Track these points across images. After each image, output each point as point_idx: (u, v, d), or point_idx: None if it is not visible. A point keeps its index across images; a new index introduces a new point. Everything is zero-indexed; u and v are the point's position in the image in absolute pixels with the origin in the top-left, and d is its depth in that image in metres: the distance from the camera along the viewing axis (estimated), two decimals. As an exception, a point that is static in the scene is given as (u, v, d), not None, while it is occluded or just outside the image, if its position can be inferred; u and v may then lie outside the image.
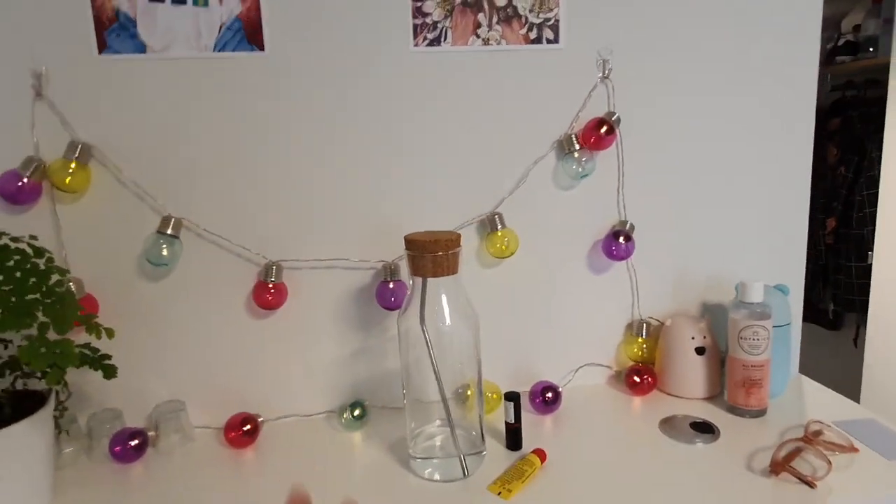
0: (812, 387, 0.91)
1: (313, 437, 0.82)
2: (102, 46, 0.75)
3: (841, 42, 2.33)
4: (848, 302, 2.41)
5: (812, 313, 2.64)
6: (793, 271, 0.96)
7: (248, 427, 0.81)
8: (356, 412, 0.84)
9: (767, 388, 0.80)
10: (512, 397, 0.75)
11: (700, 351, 0.86)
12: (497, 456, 0.75)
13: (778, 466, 0.66)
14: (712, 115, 0.89)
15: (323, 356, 0.87)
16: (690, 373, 0.86)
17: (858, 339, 2.40)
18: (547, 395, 0.85)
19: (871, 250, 2.00)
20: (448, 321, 0.68)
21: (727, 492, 0.64)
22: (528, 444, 0.76)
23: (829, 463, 0.66)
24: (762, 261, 0.94)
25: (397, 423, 0.84)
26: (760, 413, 0.80)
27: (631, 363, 0.92)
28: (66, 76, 0.75)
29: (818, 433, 0.72)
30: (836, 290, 2.50)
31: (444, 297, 0.68)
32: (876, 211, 1.88)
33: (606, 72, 0.85)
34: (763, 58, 0.88)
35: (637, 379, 0.88)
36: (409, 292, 0.70)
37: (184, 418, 0.82)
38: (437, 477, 0.70)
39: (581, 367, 0.93)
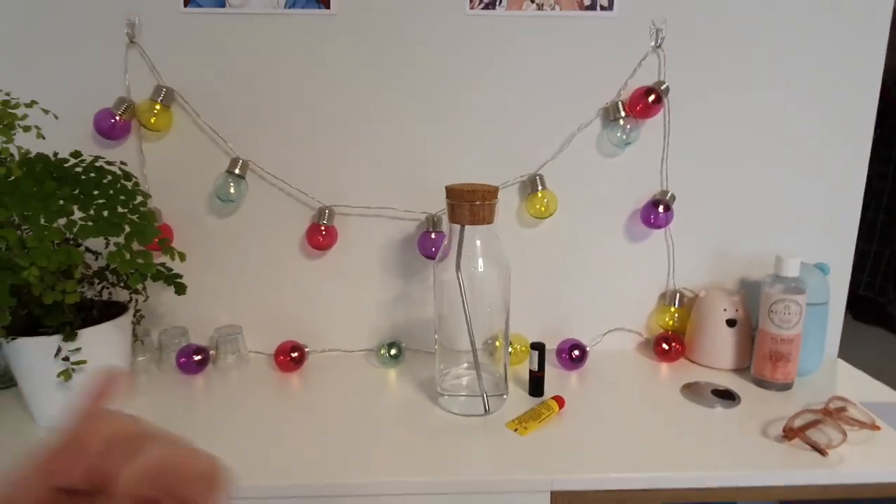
0: (848, 370, 0.90)
1: (352, 371, 0.90)
2: (188, 0, 0.83)
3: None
4: (919, 306, 2.27)
5: (879, 315, 2.51)
6: (841, 252, 0.94)
7: (296, 354, 0.89)
8: (392, 351, 0.91)
9: (795, 364, 0.80)
10: (537, 346, 0.79)
11: (731, 323, 0.87)
12: (519, 400, 0.79)
13: (791, 433, 0.67)
14: (764, 89, 0.88)
15: (366, 298, 0.94)
16: (719, 343, 0.87)
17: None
18: (574, 353, 0.88)
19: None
20: (481, 268, 0.73)
21: (738, 452, 0.67)
22: (550, 393, 0.81)
23: (845, 435, 0.67)
24: (809, 240, 0.93)
25: (429, 365, 0.90)
26: (786, 387, 0.81)
27: (661, 331, 0.94)
28: (156, 26, 0.84)
29: (841, 409, 0.73)
30: (906, 293, 2.36)
31: (478, 245, 0.73)
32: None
33: (659, 41, 0.86)
34: (824, 31, 0.86)
35: (665, 346, 0.90)
36: (446, 241, 0.75)
37: (240, 342, 0.92)
38: (460, 411, 0.76)
39: (611, 330, 0.96)
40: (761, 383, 0.82)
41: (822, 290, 0.83)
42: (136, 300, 0.79)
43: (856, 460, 0.64)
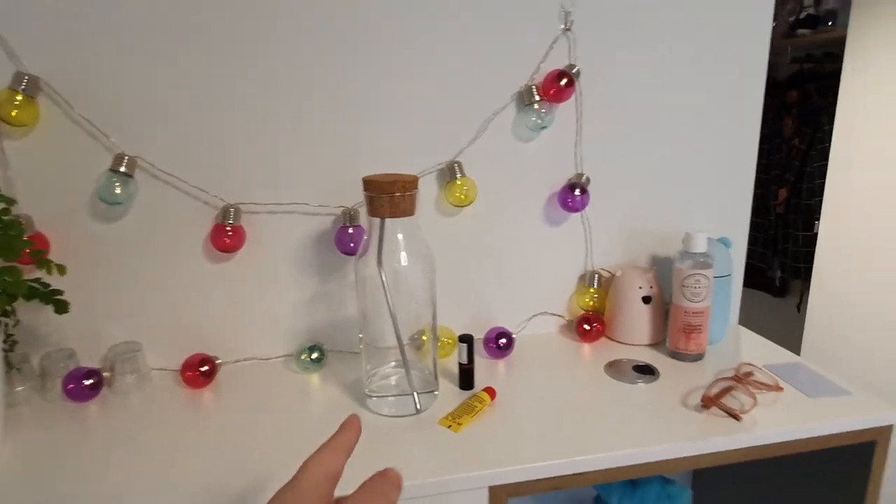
0: (749, 335, 0.96)
1: (271, 379, 0.84)
2: (48, -27, 0.72)
3: (803, 15, 2.38)
4: (794, 269, 2.52)
5: (760, 281, 2.76)
6: (738, 226, 1.00)
7: (206, 368, 0.82)
8: (314, 355, 0.85)
9: (706, 334, 0.85)
10: (465, 339, 0.77)
11: (646, 300, 0.90)
12: (450, 395, 0.78)
13: (709, 402, 0.71)
14: (670, 72, 0.91)
15: (282, 301, 0.88)
16: (637, 320, 0.90)
17: (802, 305, 2.52)
18: (500, 341, 0.88)
19: (818, 220, 2.09)
20: (405, 262, 0.70)
21: (662, 424, 0.69)
22: (480, 384, 0.80)
23: (755, 399, 0.72)
24: (710, 216, 0.99)
25: (354, 367, 0.86)
26: (699, 357, 0.85)
27: (582, 312, 0.96)
28: (12, 3, 0.72)
29: (749, 374, 0.78)
30: (783, 259, 2.61)
31: (400, 238, 0.70)
32: (825, 182, 1.96)
33: (568, 24, 0.86)
34: (720, 19, 0.90)
35: (587, 327, 0.92)
36: (366, 236, 0.71)
37: (140, 359, 0.83)
38: (390, 412, 0.73)
39: (534, 315, 0.97)
40: (677, 355, 0.86)
41: (726, 263, 0.88)
42: (6, 324, 0.68)
43: (767, 421, 0.69)
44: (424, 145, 0.87)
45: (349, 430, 0.40)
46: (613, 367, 0.84)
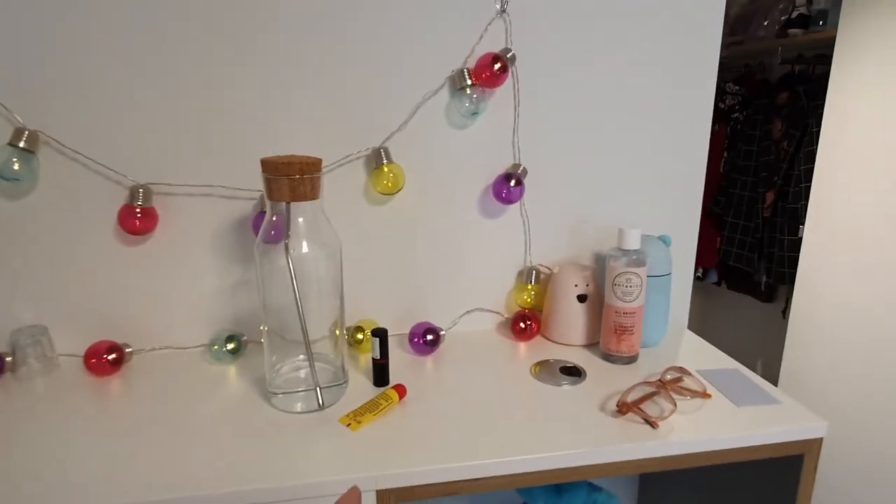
0: (692, 339, 0.92)
1: (184, 370, 0.80)
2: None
3: (794, 14, 2.32)
4: (779, 274, 2.47)
5: (748, 285, 2.70)
6: (686, 224, 0.96)
7: (114, 356, 0.78)
8: (230, 346, 0.82)
9: (639, 336, 0.80)
10: (378, 333, 0.74)
11: (582, 298, 0.86)
12: (363, 391, 0.74)
13: (624, 407, 0.66)
14: (613, 60, 0.86)
15: (201, 287, 0.85)
16: (572, 320, 0.86)
17: (787, 311, 2.47)
18: (427, 337, 0.84)
19: (804, 224, 2.04)
20: (305, 249, 0.66)
21: (576, 430, 0.65)
22: (400, 380, 0.76)
23: (675, 405, 0.67)
24: (657, 212, 0.94)
25: (272, 358, 0.83)
26: (632, 359, 0.81)
27: (519, 310, 0.92)
28: None
29: (677, 380, 0.73)
30: (769, 264, 2.55)
31: (301, 223, 0.66)
32: (811, 185, 1.90)
33: (504, 5, 0.82)
34: (669, 5, 0.86)
35: (522, 325, 0.88)
36: (265, 221, 0.67)
37: (45, 344, 0.79)
38: (294, 408, 0.69)
39: (469, 311, 0.93)
40: (609, 357, 0.82)
41: (665, 261, 0.83)
42: None
43: (685, 429, 0.65)
44: (351, 130, 0.83)
45: None
46: (541, 368, 0.80)
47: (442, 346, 0.87)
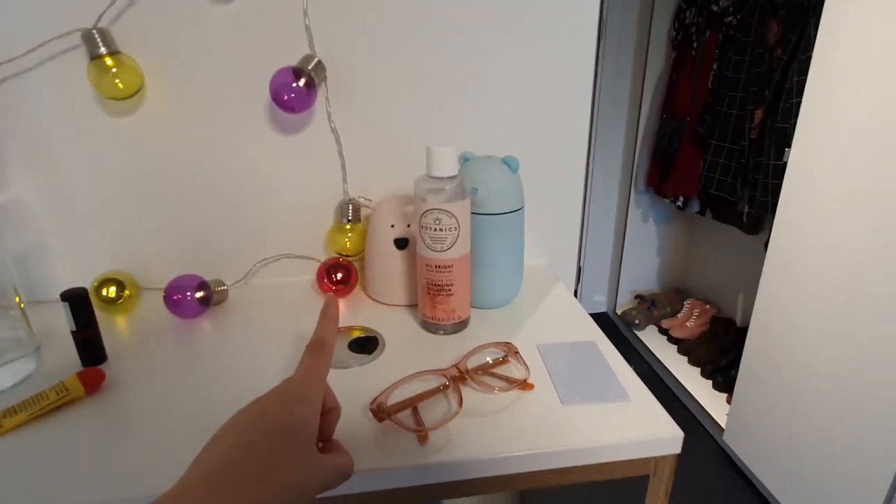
0: (559, 295, 0.69)
1: None
2: None
3: None
4: (762, 204, 2.20)
5: (732, 215, 2.45)
6: (570, 143, 0.71)
7: None
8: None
9: (463, 297, 0.58)
10: (68, 297, 0.52)
11: (401, 244, 0.63)
12: (62, 373, 0.53)
13: (381, 412, 0.45)
14: None
15: None
16: (389, 271, 0.64)
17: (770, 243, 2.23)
18: (198, 294, 0.62)
19: (790, 146, 1.76)
20: None
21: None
22: (127, 357, 0.55)
23: (460, 404, 0.46)
24: (522, 134, 0.69)
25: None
26: (456, 329, 0.59)
27: (335, 257, 0.70)
28: None
29: (492, 364, 0.52)
30: (752, 191, 2.28)
31: None
32: (801, 101, 1.61)
33: None
34: None
35: (334, 278, 0.66)
36: None
37: None
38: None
39: (265, 260, 0.71)
40: (427, 326, 0.60)
41: (509, 192, 0.59)
42: None
43: (466, 442, 0.43)
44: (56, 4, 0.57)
45: (329, 321, 0.39)
46: (331, 339, 0.58)
47: (228, 306, 0.66)
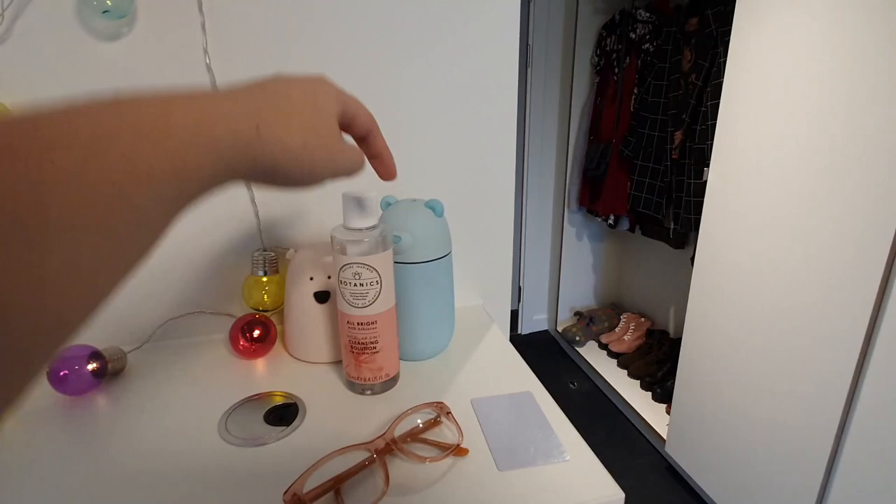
0: (493, 339, 0.67)
1: None
2: None
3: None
4: (686, 220, 2.29)
5: (660, 231, 2.54)
6: (501, 181, 0.69)
7: None
8: None
9: (390, 354, 0.54)
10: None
11: (322, 297, 0.58)
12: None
13: (295, 499, 0.40)
14: None
15: None
16: (309, 328, 0.59)
17: (695, 258, 2.32)
18: (90, 366, 0.55)
19: (708, 166, 1.84)
20: None
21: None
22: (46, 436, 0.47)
23: (387, 483, 0.42)
24: (453, 171, 0.67)
25: None
26: (384, 388, 0.55)
27: (251, 313, 0.64)
28: None
29: (422, 429, 0.48)
30: (677, 209, 2.37)
31: None
32: (716, 123, 1.69)
33: None
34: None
35: (247, 336, 0.61)
36: None
37: None
38: None
39: (173, 318, 0.64)
40: (353, 386, 0.55)
41: (436, 238, 0.56)
42: None
43: (391, 530, 0.39)
44: None
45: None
46: (244, 411, 0.53)
47: (129, 374, 0.59)
